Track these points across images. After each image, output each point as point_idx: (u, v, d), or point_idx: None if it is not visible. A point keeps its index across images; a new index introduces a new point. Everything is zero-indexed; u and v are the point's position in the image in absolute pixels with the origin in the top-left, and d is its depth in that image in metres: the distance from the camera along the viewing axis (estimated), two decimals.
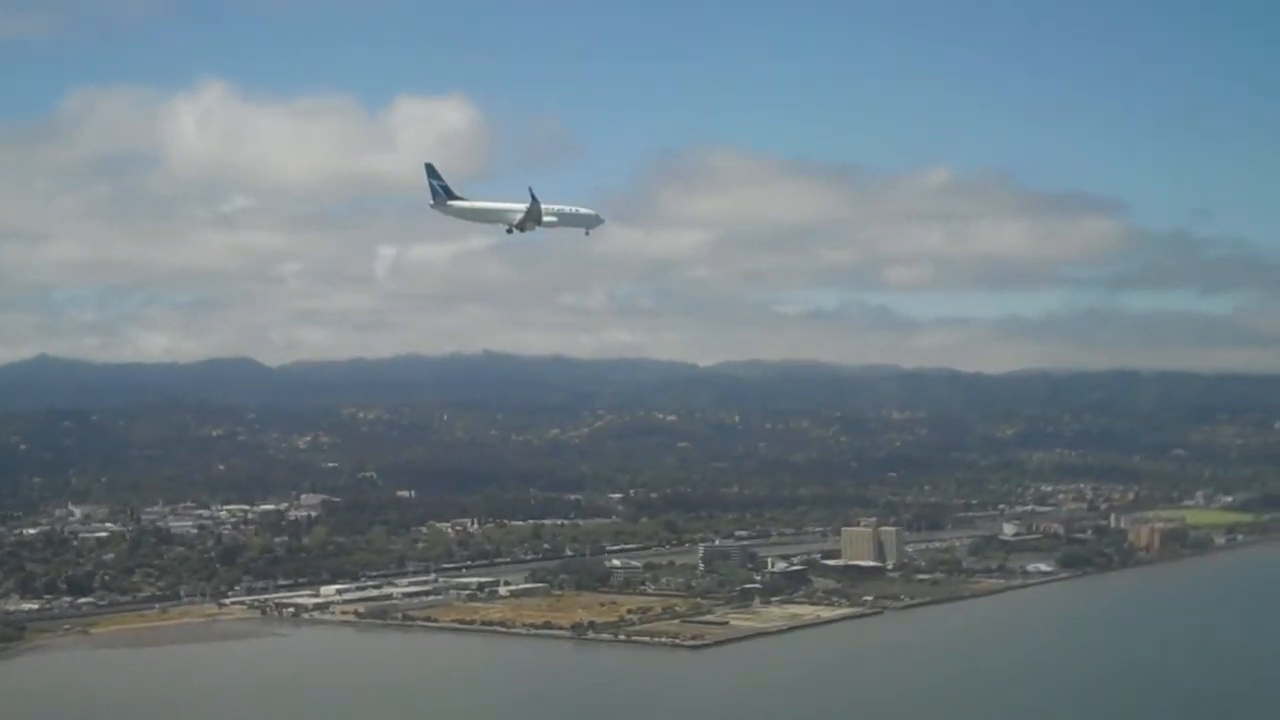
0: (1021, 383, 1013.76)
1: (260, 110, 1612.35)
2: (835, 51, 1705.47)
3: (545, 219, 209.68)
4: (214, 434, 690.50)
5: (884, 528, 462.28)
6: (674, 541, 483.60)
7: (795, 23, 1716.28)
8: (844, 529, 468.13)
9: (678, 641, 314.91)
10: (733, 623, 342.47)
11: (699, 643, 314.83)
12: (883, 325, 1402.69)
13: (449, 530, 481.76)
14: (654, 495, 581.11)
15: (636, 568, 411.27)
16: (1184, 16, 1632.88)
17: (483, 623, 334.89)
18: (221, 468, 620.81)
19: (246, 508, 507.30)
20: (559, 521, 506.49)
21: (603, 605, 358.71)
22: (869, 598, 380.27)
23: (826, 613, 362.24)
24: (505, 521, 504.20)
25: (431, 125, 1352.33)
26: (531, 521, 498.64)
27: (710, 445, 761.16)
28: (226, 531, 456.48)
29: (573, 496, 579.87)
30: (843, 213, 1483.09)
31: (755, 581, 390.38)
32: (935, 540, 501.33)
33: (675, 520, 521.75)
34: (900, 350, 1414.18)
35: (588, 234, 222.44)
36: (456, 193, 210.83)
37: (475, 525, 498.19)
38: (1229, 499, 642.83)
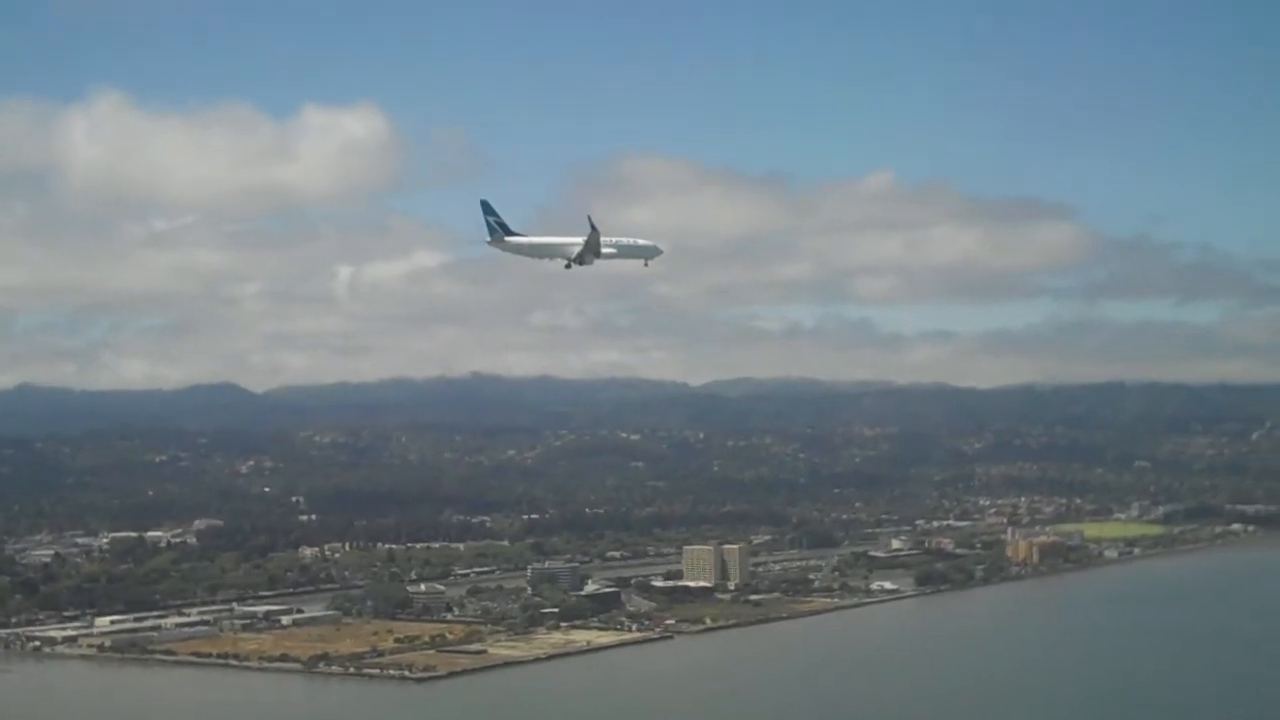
0: (1006, 397, 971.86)
1: (160, 122, 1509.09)
2: (750, 55, 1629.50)
3: (604, 250, 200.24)
4: (157, 460, 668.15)
5: (727, 546, 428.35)
6: (538, 562, 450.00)
7: (706, 27, 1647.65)
8: (685, 548, 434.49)
9: (407, 674, 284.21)
10: (492, 651, 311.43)
11: (428, 675, 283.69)
12: (866, 341, 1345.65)
13: (308, 555, 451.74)
14: (550, 516, 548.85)
15: (441, 593, 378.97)
16: (1120, 17, 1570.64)
17: (218, 656, 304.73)
18: (150, 494, 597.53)
19: (134, 534, 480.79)
20: (429, 545, 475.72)
21: (375, 634, 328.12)
22: (671, 621, 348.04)
23: (606, 638, 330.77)
24: (377, 545, 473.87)
25: (341, 137, 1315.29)
26: (391, 545, 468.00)
27: (664, 464, 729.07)
28: (79, 560, 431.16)
29: (479, 519, 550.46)
30: (785, 222, 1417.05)
31: (553, 606, 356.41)
32: (814, 558, 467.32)
33: (556, 542, 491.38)
34: (890, 366, 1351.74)
35: (646, 265, 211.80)
36: (512, 229, 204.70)
37: (346, 549, 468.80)
38: (1162, 511, 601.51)
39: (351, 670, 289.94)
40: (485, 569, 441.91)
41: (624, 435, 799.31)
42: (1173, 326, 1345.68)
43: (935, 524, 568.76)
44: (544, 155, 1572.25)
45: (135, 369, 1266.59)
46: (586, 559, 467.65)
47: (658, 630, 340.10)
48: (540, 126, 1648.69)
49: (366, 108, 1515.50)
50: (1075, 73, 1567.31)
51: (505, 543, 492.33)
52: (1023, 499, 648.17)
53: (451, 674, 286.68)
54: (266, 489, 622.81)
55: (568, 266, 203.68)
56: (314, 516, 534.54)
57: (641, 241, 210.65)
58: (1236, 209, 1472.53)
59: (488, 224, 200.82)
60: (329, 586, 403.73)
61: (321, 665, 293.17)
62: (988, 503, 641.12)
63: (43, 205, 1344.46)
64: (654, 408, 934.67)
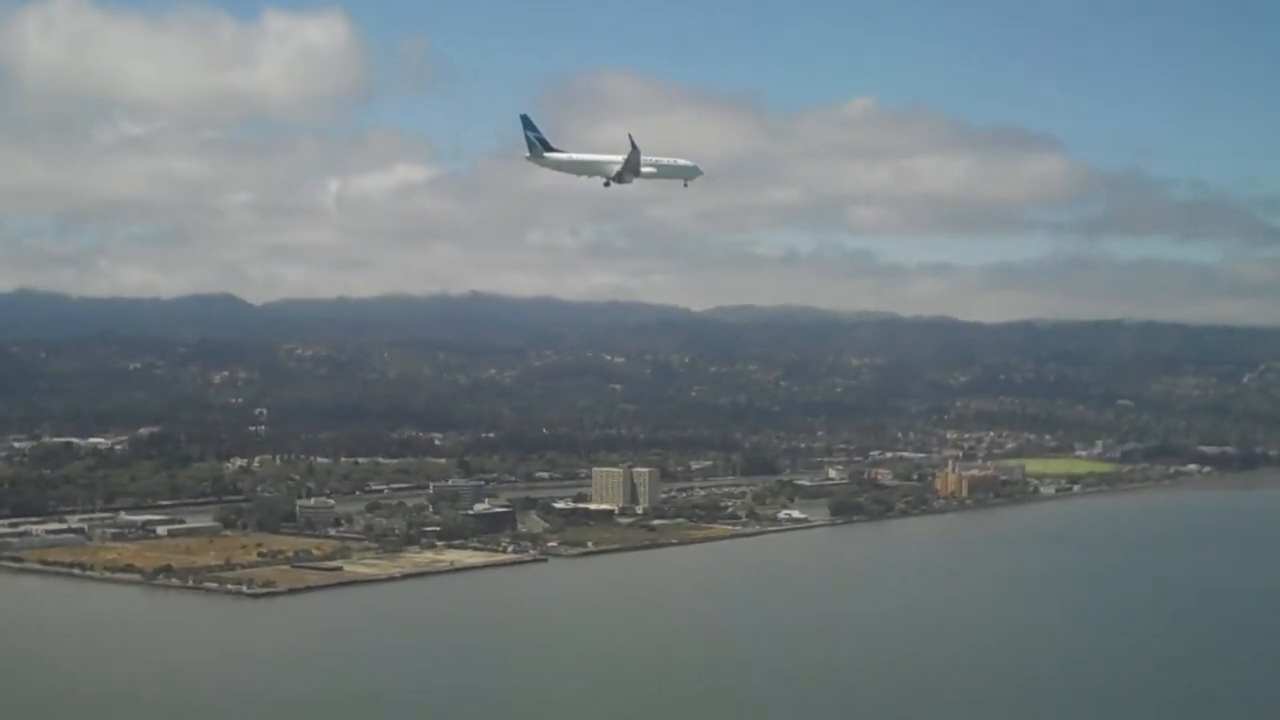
0: (1004, 332, 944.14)
1: (118, 22, 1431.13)
2: None
3: (644, 169, 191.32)
4: (131, 367, 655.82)
5: (638, 469, 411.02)
6: (461, 479, 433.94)
7: None
8: (594, 470, 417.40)
9: (244, 590, 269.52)
10: (348, 569, 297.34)
11: (266, 591, 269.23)
12: (866, 271, 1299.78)
13: (233, 466, 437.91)
14: (498, 435, 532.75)
15: (330, 507, 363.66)
16: None
17: (65, 565, 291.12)
18: (117, 400, 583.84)
19: (63, 440, 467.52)
20: (357, 460, 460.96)
21: (243, 547, 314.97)
22: (553, 543, 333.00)
23: (474, 559, 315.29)
24: (309, 458, 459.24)
25: (304, 42, 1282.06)
26: (322, 459, 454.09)
27: (642, 388, 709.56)
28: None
29: (432, 435, 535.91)
30: (765, 146, 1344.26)
31: (434, 525, 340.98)
32: (747, 484, 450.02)
33: (490, 461, 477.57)
34: (893, 297, 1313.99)
35: (685, 185, 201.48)
36: (552, 144, 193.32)
37: (277, 461, 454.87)
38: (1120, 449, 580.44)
39: (191, 584, 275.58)
40: (403, 485, 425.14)
41: (608, 358, 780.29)
42: (1175, 265, 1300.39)
43: (888, 455, 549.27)
44: (512, 69, 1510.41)
45: (132, 276, 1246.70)
46: (513, 479, 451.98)
47: (534, 552, 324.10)
48: (508, 39, 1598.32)
49: (329, 14, 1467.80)
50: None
51: (441, 460, 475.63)
52: (990, 433, 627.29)
53: (291, 590, 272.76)
54: (235, 400, 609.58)
55: (606, 184, 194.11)
56: (263, 429, 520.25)
57: (682, 161, 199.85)
58: (1226, 144, 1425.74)
59: (527, 139, 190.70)
60: (233, 498, 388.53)
61: (161, 578, 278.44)
62: (955, 435, 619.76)
63: (3, 106, 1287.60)
64: (651, 332, 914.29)
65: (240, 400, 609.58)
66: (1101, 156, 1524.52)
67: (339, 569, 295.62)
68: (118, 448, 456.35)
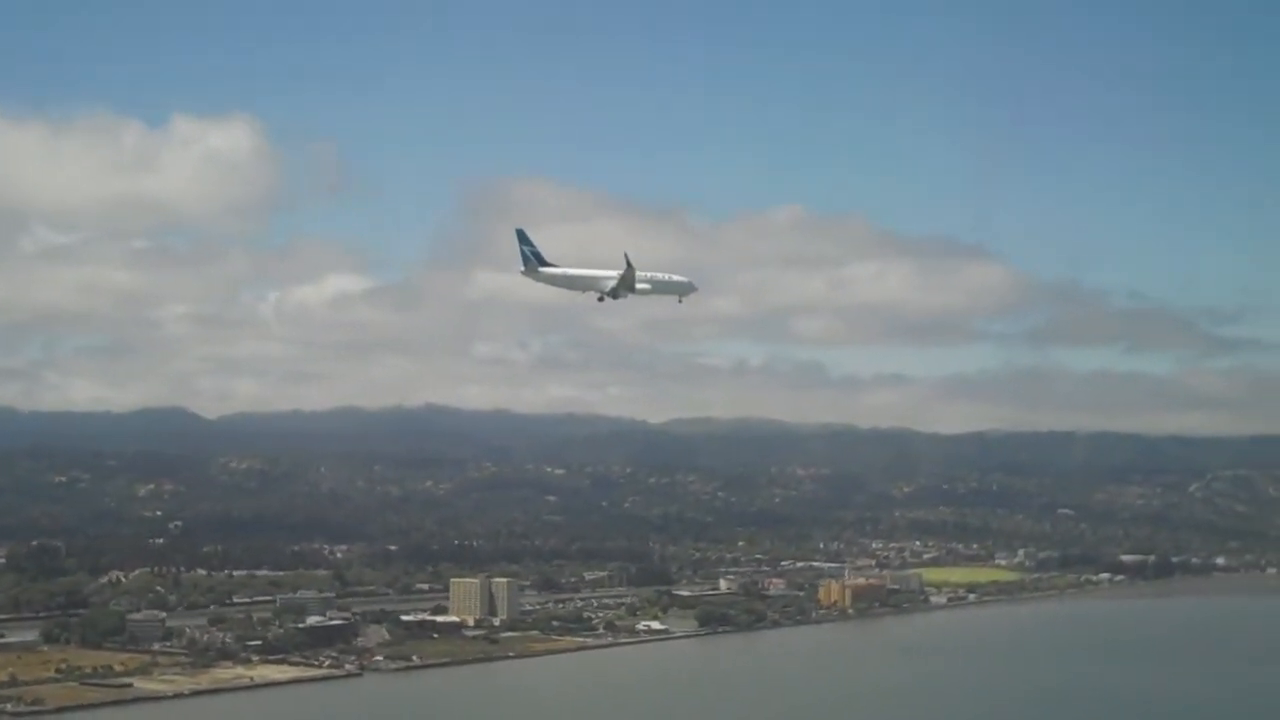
0: (956, 443, 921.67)
1: (22, 130, 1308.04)
2: (633, 79, 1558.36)
3: (639, 286, 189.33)
4: (56, 480, 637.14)
5: (497, 580, 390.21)
6: (331, 593, 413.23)
7: (589, 48, 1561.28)
8: (451, 581, 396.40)
9: (8, 709, 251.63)
10: (140, 685, 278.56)
11: (30, 710, 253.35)
12: (821, 383, 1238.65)
13: (101, 581, 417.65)
14: (396, 548, 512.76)
15: (160, 620, 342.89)
16: (996, 50, 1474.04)
17: None
18: (33, 514, 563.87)
19: None
20: (232, 573, 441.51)
21: (45, 663, 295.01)
22: (380, 658, 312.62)
23: (280, 674, 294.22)
24: (189, 571, 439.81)
25: (212, 149, 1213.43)
26: (202, 572, 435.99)
27: (576, 499, 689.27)
28: None
29: (338, 547, 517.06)
30: (694, 255, 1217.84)
31: (257, 639, 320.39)
32: (630, 596, 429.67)
33: (369, 573, 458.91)
34: (852, 409, 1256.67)
35: (680, 301, 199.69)
36: (546, 259, 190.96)
37: (152, 573, 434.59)
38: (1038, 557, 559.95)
39: None
40: (266, 598, 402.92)
41: (549, 469, 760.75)
42: (1129, 377, 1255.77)
43: (799, 564, 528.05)
44: (424, 174, 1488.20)
45: (83, 390, 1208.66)
46: (389, 591, 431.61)
47: (349, 667, 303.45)
48: (417, 144, 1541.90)
49: (238, 118, 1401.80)
50: (979, 112, 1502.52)
51: (322, 572, 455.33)
52: (915, 542, 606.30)
53: (60, 709, 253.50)
54: (154, 513, 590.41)
55: (600, 299, 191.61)
56: (160, 540, 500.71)
57: (676, 278, 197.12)
58: (1158, 252, 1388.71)
59: (522, 253, 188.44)
60: (77, 611, 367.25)
61: None
62: (881, 545, 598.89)
63: None
64: (602, 444, 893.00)
65: (159, 513, 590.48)
66: (1035, 266, 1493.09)
67: (128, 686, 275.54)
68: None
